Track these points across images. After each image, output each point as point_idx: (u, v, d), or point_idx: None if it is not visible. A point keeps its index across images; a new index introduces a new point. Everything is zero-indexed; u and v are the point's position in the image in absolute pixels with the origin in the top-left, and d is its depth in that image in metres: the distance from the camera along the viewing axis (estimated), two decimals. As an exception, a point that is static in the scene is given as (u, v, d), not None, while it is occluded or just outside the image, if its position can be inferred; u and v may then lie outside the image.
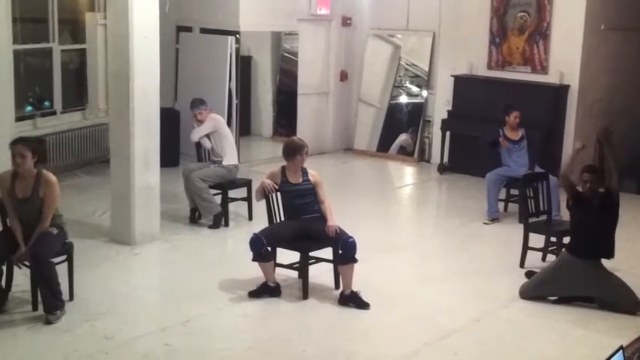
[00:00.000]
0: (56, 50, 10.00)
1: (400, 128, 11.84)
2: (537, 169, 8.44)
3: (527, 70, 10.47)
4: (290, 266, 6.48)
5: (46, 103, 10.02)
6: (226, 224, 8.14)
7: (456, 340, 5.63)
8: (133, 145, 7.17)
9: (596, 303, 6.21)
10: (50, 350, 5.24)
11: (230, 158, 8.22)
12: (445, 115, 11.02)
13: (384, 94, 11.95)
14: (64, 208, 6.18)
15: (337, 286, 6.36)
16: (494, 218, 8.62)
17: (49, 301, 5.61)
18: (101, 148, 10.19)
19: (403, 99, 11.82)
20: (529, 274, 6.78)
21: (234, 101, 10.85)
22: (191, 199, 8.15)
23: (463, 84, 10.86)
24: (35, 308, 5.74)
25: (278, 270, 6.38)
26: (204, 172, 8.08)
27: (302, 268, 6.34)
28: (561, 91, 10.16)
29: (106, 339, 5.40)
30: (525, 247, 7.18)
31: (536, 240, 7.22)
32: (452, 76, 10.97)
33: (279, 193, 6.46)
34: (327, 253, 6.37)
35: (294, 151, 6.35)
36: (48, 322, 5.56)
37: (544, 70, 10.33)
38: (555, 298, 6.32)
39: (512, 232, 8.03)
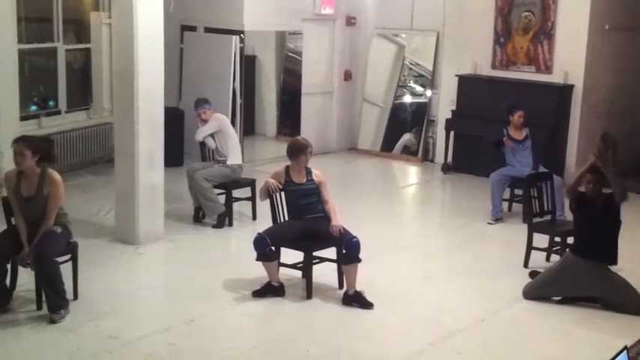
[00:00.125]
0: (61, 50, 10.03)
1: (404, 128, 11.84)
2: (541, 169, 8.42)
3: (531, 69, 10.45)
4: (294, 266, 6.47)
5: (51, 103, 10.06)
6: (230, 224, 8.14)
7: (460, 340, 5.62)
8: (138, 144, 7.18)
9: (600, 303, 6.19)
10: (54, 349, 5.24)
11: (234, 158, 8.22)
12: (449, 115, 11.00)
13: (388, 93, 11.95)
14: (69, 207, 6.18)
15: (341, 286, 6.36)
16: (498, 218, 8.60)
17: (53, 300, 5.61)
18: (105, 148, 10.21)
19: (407, 99, 11.81)
20: (533, 274, 6.77)
21: (238, 101, 10.84)
22: (195, 199, 8.15)
23: (467, 84, 10.84)
24: (39, 307, 5.75)
25: (282, 270, 6.38)
26: (209, 171, 8.09)
27: (306, 267, 6.34)
28: (566, 90, 10.14)
29: (110, 338, 5.41)
30: (529, 247, 7.17)
31: (541, 240, 7.20)
32: (456, 75, 10.96)
33: (283, 193, 6.46)
34: (330, 252, 6.37)
35: (298, 151, 6.34)
36: (52, 322, 5.56)
37: (548, 69, 10.31)
38: (559, 298, 6.31)
39: (516, 232, 8.03)
